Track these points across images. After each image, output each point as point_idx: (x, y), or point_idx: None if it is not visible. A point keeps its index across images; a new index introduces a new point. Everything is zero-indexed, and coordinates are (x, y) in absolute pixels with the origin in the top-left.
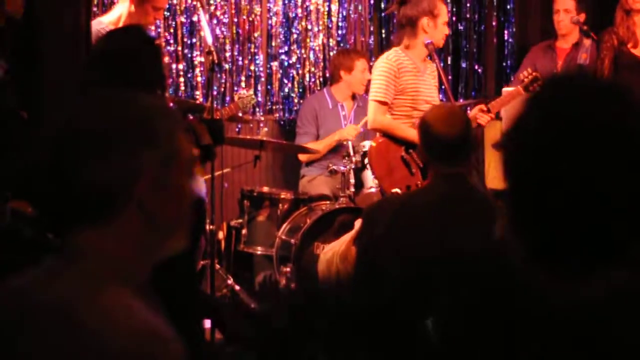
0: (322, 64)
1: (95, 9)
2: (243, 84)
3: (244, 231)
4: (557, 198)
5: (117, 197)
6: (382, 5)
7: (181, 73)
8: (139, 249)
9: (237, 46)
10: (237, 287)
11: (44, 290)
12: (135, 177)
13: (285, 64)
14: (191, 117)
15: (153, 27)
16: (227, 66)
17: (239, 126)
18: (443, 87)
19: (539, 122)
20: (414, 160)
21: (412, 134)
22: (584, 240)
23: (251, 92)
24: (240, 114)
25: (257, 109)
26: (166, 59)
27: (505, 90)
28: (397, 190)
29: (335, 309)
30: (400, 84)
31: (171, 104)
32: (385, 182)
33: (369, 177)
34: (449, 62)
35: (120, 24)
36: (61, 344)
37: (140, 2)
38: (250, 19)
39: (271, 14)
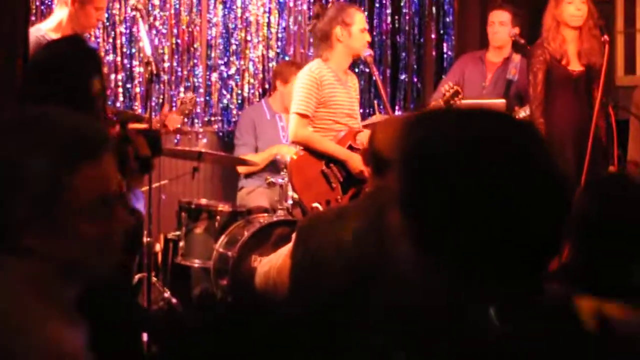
0: (261, 75)
1: (33, 17)
2: (182, 94)
3: (181, 243)
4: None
5: (2, 238)
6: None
7: (120, 83)
8: (46, 277)
9: (176, 57)
10: (174, 301)
11: None
12: (9, 221)
13: (225, 75)
14: (130, 128)
15: (93, 37)
16: (166, 77)
17: (178, 137)
18: (381, 98)
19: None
20: (334, 175)
21: (333, 148)
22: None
23: (190, 94)
24: (184, 119)
25: (196, 120)
26: (105, 70)
27: (434, 101)
28: (317, 205)
29: (270, 321)
30: (322, 96)
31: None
32: (304, 196)
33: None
34: (388, 75)
35: (61, 30)
36: None
37: (82, 5)
38: (190, 29)
39: (210, 24)
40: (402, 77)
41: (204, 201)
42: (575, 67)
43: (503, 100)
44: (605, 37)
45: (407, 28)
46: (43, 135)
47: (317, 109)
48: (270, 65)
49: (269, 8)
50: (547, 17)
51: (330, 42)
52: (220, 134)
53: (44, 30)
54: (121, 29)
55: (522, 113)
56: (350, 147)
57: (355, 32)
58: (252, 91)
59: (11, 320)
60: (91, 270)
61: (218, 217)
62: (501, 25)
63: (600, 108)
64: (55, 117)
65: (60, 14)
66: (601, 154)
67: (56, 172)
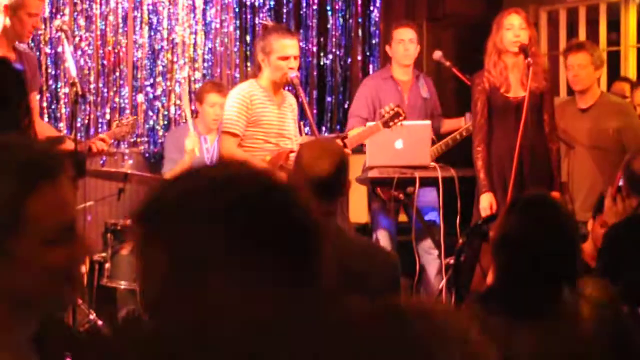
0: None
1: None
2: (108, 116)
3: (107, 265)
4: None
5: None
6: (248, 39)
7: (45, 104)
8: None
9: (102, 78)
10: (99, 323)
11: None
12: None
13: (151, 96)
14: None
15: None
16: (91, 98)
17: (104, 158)
18: (308, 120)
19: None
20: None
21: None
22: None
23: (130, 117)
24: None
25: (122, 142)
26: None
27: (368, 124)
28: None
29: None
30: (253, 115)
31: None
32: None
33: None
34: (315, 96)
35: None
36: None
37: (14, 12)
38: (116, 50)
39: (137, 45)
40: (329, 99)
41: (130, 222)
42: (516, 93)
43: (428, 122)
44: (529, 59)
45: (333, 50)
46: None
47: (248, 128)
48: (197, 86)
49: (195, 29)
50: (488, 44)
51: (259, 65)
52: (147, 155)
53: None
54: (46, 49)
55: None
56: (282, 167)
57: (273, 61)
58: (178, 112)
59: None
60: (51, 302)
61: None
62: (411, 43)
63: (552, 130)
64: (7, 140)
65: None
66: (546, 178)
67: (13, 195)
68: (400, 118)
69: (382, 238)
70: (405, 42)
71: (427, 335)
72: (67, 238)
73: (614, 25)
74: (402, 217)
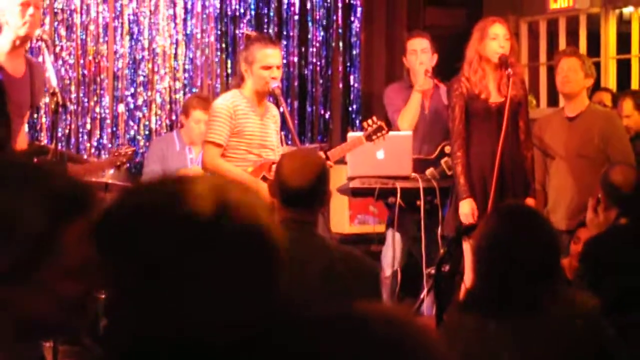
0: (168, 106)
1: None
2: (88, 126)
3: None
4: None
5: None
6: (229, 49)
7: None
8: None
9: (82, 88)
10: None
11: None
12: None
13: (132, 106)
14: (36, 160)
15: None
16: (72, 108)
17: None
18: (289, 130)
19: None
20: None
21: (246, 178)
22: None
23: (128, 147)
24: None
25: (103, 152)
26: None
27: (350, 136)
28: None
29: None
30: (236, 126)
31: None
32: None
33: None
34: (296, 106)
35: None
36: None
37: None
38: (97, 60)
39: (117, 55)
40: (310, 109)
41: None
42: (495, 99)
43: (409, 133)
44: (510, 70)
45: (314, 60)
46: (39, 186)
47: (231, 138)
48: (177, 96)
49: (176, 40)
50: (469, 50)
51: (242, 75)
52: (128, 165)
53: None
54: None
55: None
56: (265, 178)
57: (255, 71)
58: (159, 122)
59: None
60: (60, 332)
61: None
62: (423, 53)
63: (527, 138)
64: (46, 169)
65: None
66: (523, 186)
67: (50, 227)
68: (383, 132)
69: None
70: (417, 53)
71: (389, 342)
72: (88, 271)
73: (594, 37)
74: None
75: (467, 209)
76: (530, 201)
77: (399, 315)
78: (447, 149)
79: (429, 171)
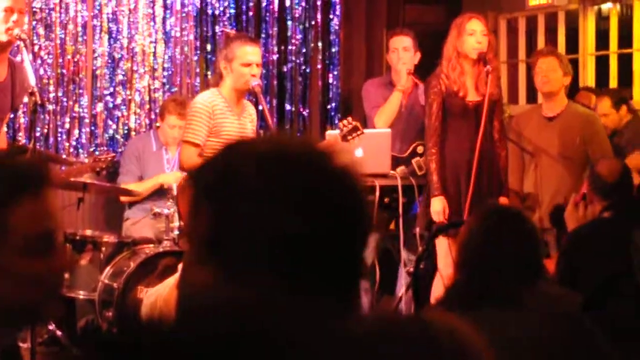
0: (147, 105)
1: None
2: (67, 125)
3: (66, 275)
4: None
5: None
6: (208, 47)
7: None
8: None
9: (61, 87)
10: (58, 333)
11: None
12: None
13: (110, 105)
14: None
15: None
16: (50, 107)
17: (62, 168)
18: (268, 128)
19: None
20: None
21: None
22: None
23: (109, 154)
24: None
25: (82, 151)
26: None
27: (328, 134)
28: None
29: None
30: (214, 125)
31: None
32: None
33: None
34: (274, 104)
35: None
36: None
37: None
38: (75, 59)
39: (96, 54)
40: (288, 107)
41: (89, 232)
42: (473, 97)
43: (388, 130)
44: (488, 67)
45: (292, 58)
46: None
47: (208, 138)
48: (156, 95)
49: (155, 38)
50: (447, 47)
51: (221, 74)
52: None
53: None
54: None
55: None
56: None
57: (235, 68)
58: (138, 121)
59: None
60: (30, 313)
61: (103, 248)
62: (405, 51)
63: (502, 137)
64: None
65: None
66: (497, 184)
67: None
68: (358, 132)
69: None
70: (399, 51)
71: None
72: (47, 249)
73: (573, 33)
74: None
75: (438, 207)
76: (504, 200)
77: (461, 325)
78: (420, 149)
79: (400, 169)
